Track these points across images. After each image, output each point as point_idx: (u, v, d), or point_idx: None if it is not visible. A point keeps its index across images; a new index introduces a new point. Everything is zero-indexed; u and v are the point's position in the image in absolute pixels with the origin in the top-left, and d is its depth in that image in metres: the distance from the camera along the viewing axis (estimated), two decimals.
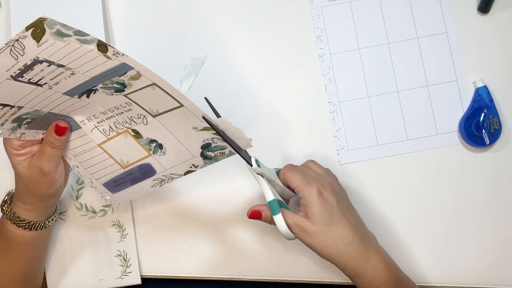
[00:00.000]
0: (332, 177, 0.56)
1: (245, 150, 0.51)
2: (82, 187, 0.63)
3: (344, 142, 0.63)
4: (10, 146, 0.52)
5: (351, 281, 0.61)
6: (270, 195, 0.51)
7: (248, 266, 0.62)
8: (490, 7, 0.63)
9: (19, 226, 0.55)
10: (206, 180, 0.63)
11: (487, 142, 0.61)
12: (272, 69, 0.64)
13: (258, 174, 0.51)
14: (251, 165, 0.50)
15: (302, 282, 0.62)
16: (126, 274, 0.62)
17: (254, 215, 0.53)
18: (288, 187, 0.54)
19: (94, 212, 0.63)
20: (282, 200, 0.53)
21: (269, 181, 0.52)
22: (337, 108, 0.64)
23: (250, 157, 0.51)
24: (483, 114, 0.61)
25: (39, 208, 0.56)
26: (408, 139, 0.63)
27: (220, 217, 0.63)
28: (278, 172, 0.55)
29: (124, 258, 0.63)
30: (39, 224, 0.56)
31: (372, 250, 0.51)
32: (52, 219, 0.58)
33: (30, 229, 0.56)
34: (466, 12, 0.64)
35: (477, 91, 0.62)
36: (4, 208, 0.56)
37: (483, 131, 0.61)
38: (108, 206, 0.63)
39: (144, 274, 0.63)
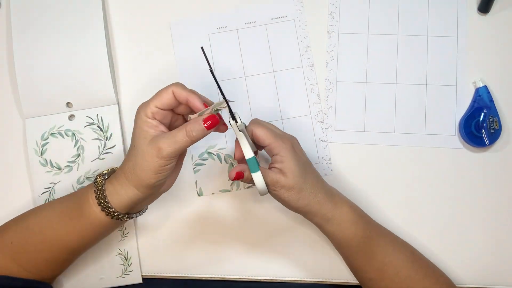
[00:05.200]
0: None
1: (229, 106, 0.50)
2: (83, 186, 0.63)
3: (333, 121, 0.64)
4: (145, 111, 0.50)
5: (351, 281, 0.62)
6: (250, 153, 0.51)
7: (248, 266, 0.62)
8: (490, 7, 0.63)
9: (99, 205, 0.52)
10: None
11: (487, 142, 0.61)
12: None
13: (240, 131, 0.51)
14: (237, 122, 0.50)
15: (302, 282, 0.62)
16: (127, 273, 0.63)
17: (238, 176, 0.53)
18: (254, 142, 0.54)
19: None
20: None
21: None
22: (333, 87, 0.64)
23: (235, 112, 0.50)
24: (483, 114, 0.61)
25: (130, 197, 0.52)
26: (395, 132, 0.63)
27: (221, 217, 0.63)
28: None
29: (125, 257, 0.63)
30: (118, 214, 0.52)
31: (336, 196, 0.55)
32: (132, 217, 0.55)
33: (107, 214, 0.52)
34: (466, 12, 0.64)
35: (477, 91, 0.62)
36: (98, 180, 0.53)
37: (483, 131, 0.61)
38: None
39: (144, 274, 0.63)
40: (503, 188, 0.62)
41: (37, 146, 0.63)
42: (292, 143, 0.53)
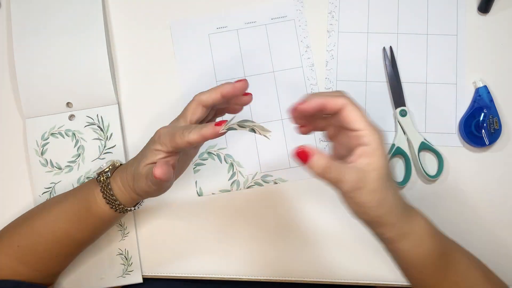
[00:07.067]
0: None
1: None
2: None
3: None
4: (193, 112, 0.47)
5: (351, 281, 0.61)
6: None
7: (248, 266, 0.62)
8: (490, 7, 0.63)
9: (107, 203, 0.52)
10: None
11: (487, 142, 0.61)
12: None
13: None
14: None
15: (302, 282, 0.62)
16: (128, 273, 0.63)
17: (300, 155, 0.41)
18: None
19: None
20: None
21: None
22: (333, 86, 0.64)
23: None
24: (483, 114, 0.61)
25: (133, 198, 0.52)
26: (395, 131, 0.63)
27: (221, 217, 0.63)
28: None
29: (125, 257, 0.63)
30: (125, 208, 0.53)
31: (410, 206, 0.45)
32: (138, 207, 0.56)
33: (115, 210, 0.53)
34: (466, 12, 0.64)
35: (477, 91, 0.62)
36: (102, 178, 0.53)
37: (483, 131, 0.61)
38: None
39: (144, 273, 0.63)
40: (503, 188, 0.62)
41: (38, 146, 0.63)
42: (382, 133, 0.43)
